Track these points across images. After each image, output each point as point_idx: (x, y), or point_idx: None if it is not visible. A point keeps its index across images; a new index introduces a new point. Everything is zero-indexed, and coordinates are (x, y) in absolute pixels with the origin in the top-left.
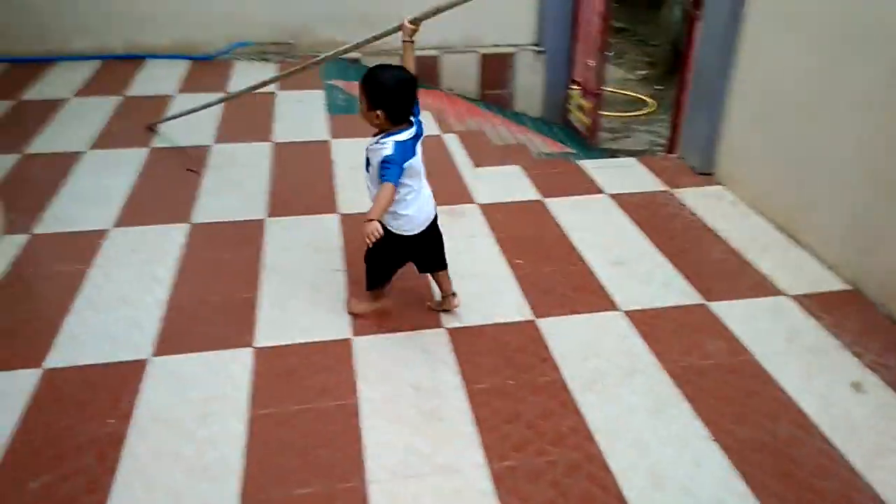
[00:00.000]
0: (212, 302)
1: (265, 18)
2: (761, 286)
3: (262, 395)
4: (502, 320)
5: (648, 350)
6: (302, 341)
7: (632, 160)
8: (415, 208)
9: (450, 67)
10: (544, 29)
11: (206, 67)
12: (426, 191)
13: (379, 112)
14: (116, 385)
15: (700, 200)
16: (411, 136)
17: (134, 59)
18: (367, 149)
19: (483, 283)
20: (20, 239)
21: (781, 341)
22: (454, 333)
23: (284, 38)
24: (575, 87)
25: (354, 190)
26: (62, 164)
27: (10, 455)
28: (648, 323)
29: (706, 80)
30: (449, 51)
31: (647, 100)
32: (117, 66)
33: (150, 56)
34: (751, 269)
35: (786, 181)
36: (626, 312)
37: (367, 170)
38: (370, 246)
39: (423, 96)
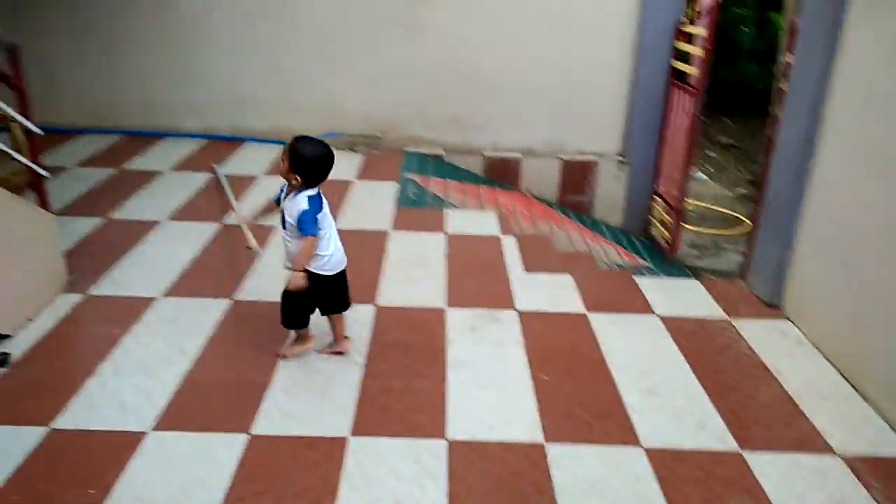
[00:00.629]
0: (226, 381)
1: (358, 112)
2: (810, 440)
3: (240, 487)
4: (509, 439)
5: (663, 498)
6: (298, 433)
7: (693, 282)
8: (332, 247)
9: (531, 170)
10: (630, 139)
11: None
12: (336, 234)
13: (297, 176)
14: (109, 455)
15: (760, 334)
16: (317, 191)
17: (235, 141)
18: (282, 206)
19: (500, 396)
20: (75, 298)
21: None
22: (455, 447)
23: (373, 132)
24: (659, 199)
25: (397, 282)
26: (138, 231)
27: None
28: (670, 466)
29: (778, 205)
30: (531, 154)
31: (743, 219)
32: (218, 145)
33: (250, 139)
34: (802, 419)
35: (856, 323)
36: (648, 450)
37: (284, 226)
38: (293, 296)
39: (501, 196)
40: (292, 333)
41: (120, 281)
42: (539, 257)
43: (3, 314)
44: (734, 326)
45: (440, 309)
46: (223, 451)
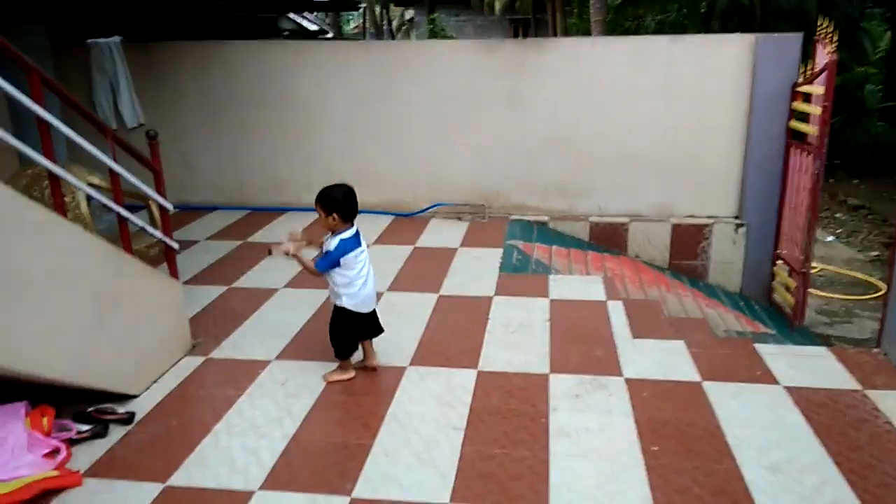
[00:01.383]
0: (331, 443)
1: (463, 183)
2: None
3: None
4: None
5: None
6: (398, 498)
7: (822, 349)
8: (368, 288)
9: (639, 235)
10: (747, 201)
11: (405, 223)
12: (372, 275)
13: (334, 215)
14: None
15: None
16: (353, 233)
17: None
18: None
19: (606, 469)
20: (197, 361)
21: None
22: None
23: (478, 201)
24: (781, 262)
25: (500, 348)
26: (257, 298)
27: None
28: None
29: None
30: (639, 219)
31: (878, 283)
32: None
33: (363, 211)
34: None
35: None
36: None
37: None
38: (340, 326)
39: (608, 262)
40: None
41: (239, 345)
42: (648, 323)
43: (134, 376)
44: (870, 399)
45: (543, 375)
46: None
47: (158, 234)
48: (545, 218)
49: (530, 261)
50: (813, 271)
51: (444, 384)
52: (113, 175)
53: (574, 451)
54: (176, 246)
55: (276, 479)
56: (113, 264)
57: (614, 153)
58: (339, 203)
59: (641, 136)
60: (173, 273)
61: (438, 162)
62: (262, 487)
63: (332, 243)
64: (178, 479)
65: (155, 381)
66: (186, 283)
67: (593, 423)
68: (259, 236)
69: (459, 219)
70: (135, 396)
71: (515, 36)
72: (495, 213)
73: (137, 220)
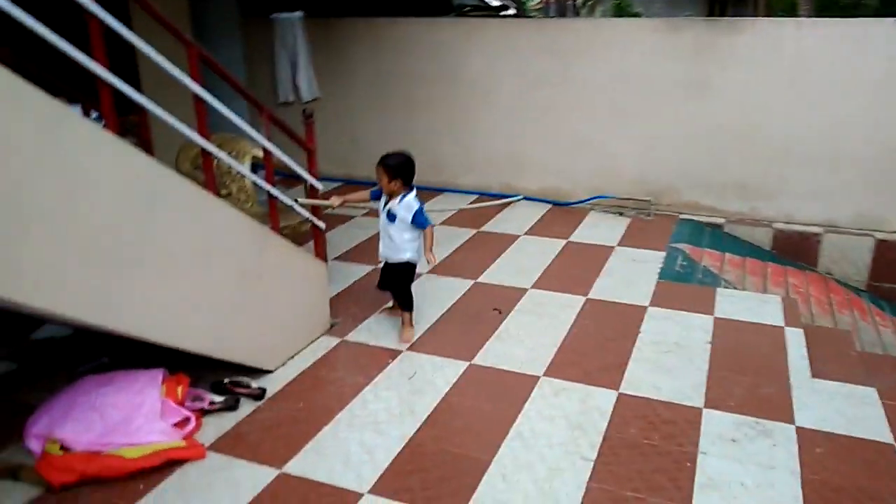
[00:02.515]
0: (449, 453)
1: (630, 175)
2: None
3: None
4: None
5: None
6: None
7: None
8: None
9: (833, 249)
10: None
11: (561, 213)
12: None
13: (399, 180)
14: None
15: None
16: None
17: (504, 198)
18: (389, 209)
19: None
20: (333, 342)
21: None
22: None
23: (644, 196)
24: None
25: (648, 368)
26: None
27: None
28: None
29: None
30: (835, 230)
31: None
32: (488, 202)
33: (519, 197)
34: None
35: None
36: None
37: (393, 220)
38: (409, 279)
39: (793, 276)
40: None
41: (374, 329)
42: (834, 359)
43: (271, 352)
44: None
45: (696, 409)
46: None
47: (306, 213)
48: (720, 220)
49: (697, 269)
50: None
51: (579, 404)
52: (266, 153)
53: None
54: (322, 225)
55: (386, 485)
56: (258, 242)
57: (813, 152)
58: (406, 170)
59: (849, 135)
60: (319, 252)
61: (604, 150)
62: (371, 491)
63: (413, 203)
64: (294, 466)
65: (291, 358)
66: (336, 259)
67: (750, 478)
68: None
69: (621, 214)
70: (270, 372)
71: (711, 13)
72: (662, 210)
73: (287, 198)
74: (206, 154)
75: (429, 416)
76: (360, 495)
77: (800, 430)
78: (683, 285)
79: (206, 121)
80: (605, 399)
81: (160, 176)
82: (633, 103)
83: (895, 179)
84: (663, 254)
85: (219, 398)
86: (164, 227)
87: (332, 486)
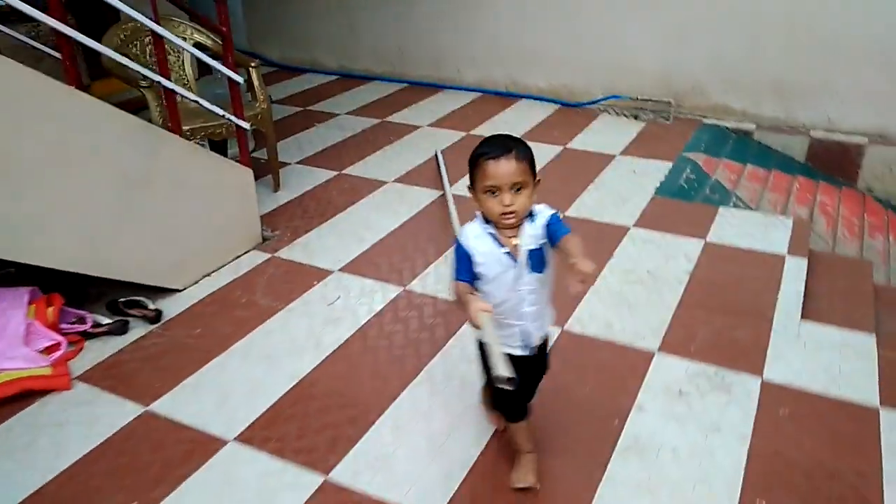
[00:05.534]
0: (342, 396)
1: (651, 72)
2: None
3: None
4: None
5: None
6: (381, 496)
7: None
8: None
9: (878, 162)
10: None
11: (568, 115)
12: None
13: (536, 179)
14: (176, 461)
15: None
16: None
17: (509, 97)
18: (528, 244)
19: None
20: (261, 257)
21: None
22: None
23: (665, 97)
24: None
25: (604, 301)
26: (359, 191)
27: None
28: None
29: None
30: (882, 140)
31: None
32: (490, 101)
33: (526, 96)
34: None
35: None
36: None
37: (542, 267)
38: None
39: (824, 194)
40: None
41: (310, 247)
42: (837, 298)
43: (178, 269)
44: None
45: (648, 353)
46: (285, 495)
47: (225, 112)
48: (750, 126)
49: (706, 183)
50: None
51: None
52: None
53: (640, 482)
54: (247, 126)
55: (257, 432)
56: (146, 143)
57: (867, 45)
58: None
59: None
60: (244, 158)
61: (623, 44)
62: (237, 438)
63: (544, 210)
64: (163, 405)
65: (207, 276)
66: (301, 162)
67: (687, 442)
68: (401, 116)
69: (636, 117)
70: (178, 291)
71: None
72: (685, 113)
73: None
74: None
75: (334, 351)
76: (223, 443)
77: (766, 384)
78: (682, 203)
79: None
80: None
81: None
82: None
83: None
84: (670, 164)
85: (106, 321)
86: (10, 128)
87: (195, 431)
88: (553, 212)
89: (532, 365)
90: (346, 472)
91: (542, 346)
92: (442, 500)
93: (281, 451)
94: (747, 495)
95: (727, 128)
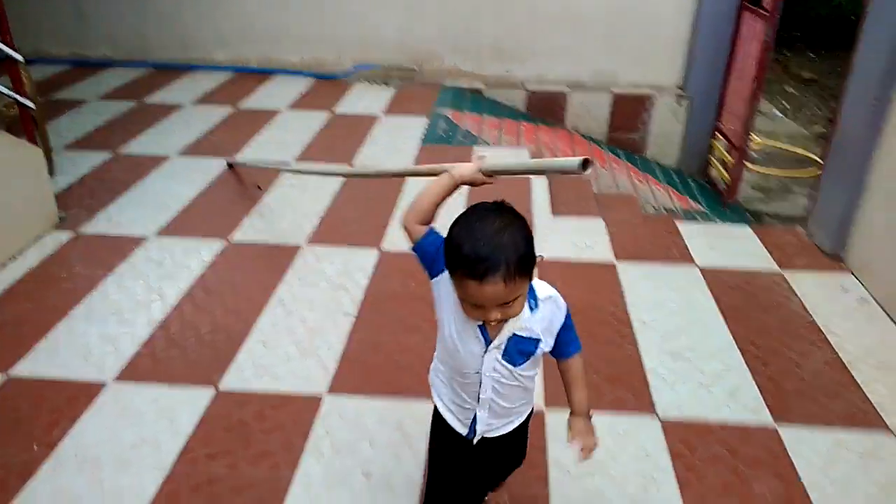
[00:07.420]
0: (202, 330)
1: (393, 43)
2: (861, 415)
3: (193, 451)
4: None
5: (673, 477)
6: (270, 390)
7: (745, 229)
8: None
9: (578, 106)
10: (692, 70)
11: (326, 87)
12: None
13: (524, 279)
14: (62, 407)
15: (817, 289)
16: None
17: (264, 74)
18: (506, 341)
19: None
20: (64, 237)
21: (865, 496)
22: None
23: (409, 64)
24: (721, 136)
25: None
26: (144, 166)
27: None
28: (687, 441)
29: (849, 144)
30: (578, 87)
31: (817, 160)
32: (246, 78)
33: (280, 71)
34: (855, 390)
35: None
36: (664, 422)
37: (520, 361)
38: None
39: (543, 133)
40: None
41: (114, 219)
42: (572, 199)
43: None
44: (787, 280)
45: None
46: (184, 409)
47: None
48: (480, 85)
49: (458, 131)
50: (753, 146)
51: (342, 266)
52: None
53: None
54: (32, 105)
55: (134, 371)
56: None
57: (559, 11)
58: (532, 250)
59: None
60: (30, 137)
61: (366, 18)
62: (117, 378)
63: (561, 310)
64: (23, 368)
65: (13, 260)
66: (67, 147)
67: None
68: (159, 97)
69: (386, 84)
70: None
71: None
72: (427, 78)
73: None
74: None
75: (181, 300)
76: (103, 385)
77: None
78: (446, 146)
79: None
80: (367, 259)
81: None
82: None
83: (624, 37)
84: (427, 120)
85: None
86: None
87: (69, 382)
88: (565, 310)
89: (481, 453)
90: (233, 380)
91: (495, 439)
92: (324, 382)
93: (169, 377)
94: None
95: (463, 87)
